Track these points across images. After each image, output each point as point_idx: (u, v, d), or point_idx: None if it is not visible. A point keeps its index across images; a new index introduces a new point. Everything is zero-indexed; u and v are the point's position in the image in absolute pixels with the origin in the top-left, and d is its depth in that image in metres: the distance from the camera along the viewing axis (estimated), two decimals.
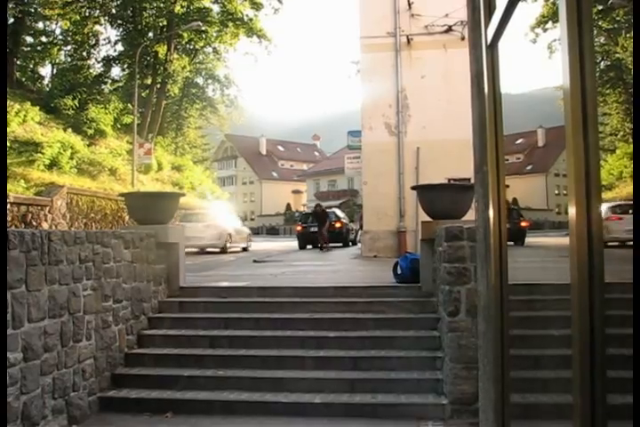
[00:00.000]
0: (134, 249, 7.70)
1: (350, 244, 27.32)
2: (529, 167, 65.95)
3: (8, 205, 19.10)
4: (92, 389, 6.54)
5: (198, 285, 9.32)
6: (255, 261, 15.86)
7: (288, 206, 72.75)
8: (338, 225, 26.30)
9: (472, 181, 9.74)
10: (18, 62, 37.27)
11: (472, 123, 3.57)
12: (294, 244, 26.75)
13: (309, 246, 25.90)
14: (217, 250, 22.17)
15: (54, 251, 5.91)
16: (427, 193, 8.87)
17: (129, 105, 34.94)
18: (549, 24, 36.92)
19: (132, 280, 7.63)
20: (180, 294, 8.78)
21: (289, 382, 6.72)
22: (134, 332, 7.68)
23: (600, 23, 33.40)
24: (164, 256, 8.63)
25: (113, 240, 7.16)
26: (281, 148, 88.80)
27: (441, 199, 8.29)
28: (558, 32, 23.59)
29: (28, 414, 5.36)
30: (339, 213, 28.70)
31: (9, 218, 18.92)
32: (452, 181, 15.03)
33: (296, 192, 77.68)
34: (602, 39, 35.61)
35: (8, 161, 22.16)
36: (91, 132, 30.94)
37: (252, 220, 72.98)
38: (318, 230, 23.48)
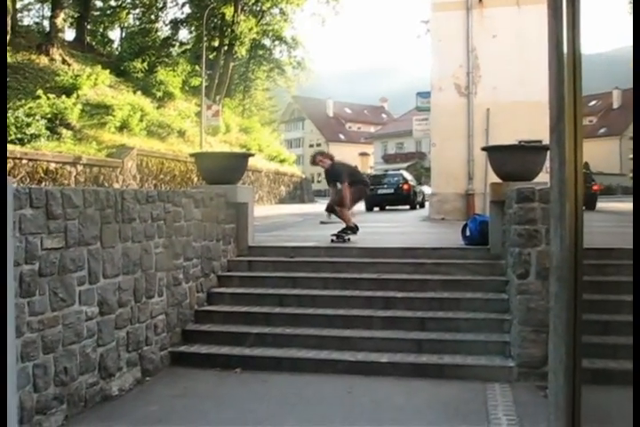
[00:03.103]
0: (204, 208, 7.81)
1: (418, 206, 27.18)
2: (602, 130, 63.91)
3: (81, 167, 19.62)
4: (163, 344, 6.74)
5: (267, 244, 9.41)
6: (322, 223, 15.90)
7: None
8: (405, 187, 26.20)
9: (544, 143, 9.42)
10: (88, 27, 37.87)
11: (549, 79, 3.44)
12: (361, 206, 26.75)
13: (376, 209, 25.93)
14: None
15: (127, 209, 6.05)
16: (497, 154, 8.70)
17: (197, 67, 35.22)
18: None
19: (202, 239, 7.76)
20: (248, 253, 8.89)
21: (356, 342, 6.77)
22: (204, 289, 7.83)
23: None
24: (233, 216, 8.73)
25: (184, 199, 7.28)
26: (348, 110, 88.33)
27: (512, 160, 8.12)
28: None
29: (104, 365, 5.59)
30: (406, 175, 28.50)
31: (82, 179, 19.46)
32: (522, 144, 14.71)
33: (363, 155, 77.27)
34: None
35: (80, 123, 22.70)
36: (159, 94, 31.37)
37: (319, 182, 73.08)
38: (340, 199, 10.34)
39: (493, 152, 8.94)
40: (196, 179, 24.61)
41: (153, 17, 42.03)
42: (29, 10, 40.29)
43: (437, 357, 6.44)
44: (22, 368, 4.52)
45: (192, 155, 11.03)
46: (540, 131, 10.09)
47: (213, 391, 6.00)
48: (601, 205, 22.93)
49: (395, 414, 5.25)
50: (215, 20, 40.71)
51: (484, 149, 9.86)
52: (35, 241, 4.72)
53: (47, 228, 4.87)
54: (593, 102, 66.49)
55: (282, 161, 41.35)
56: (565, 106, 2.99)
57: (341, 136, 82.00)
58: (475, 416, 5.16)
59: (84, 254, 5.34)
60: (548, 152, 3.61)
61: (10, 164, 17.05)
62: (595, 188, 23.36)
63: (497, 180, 8.60)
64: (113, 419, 5.22)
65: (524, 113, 15.25)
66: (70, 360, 5.11)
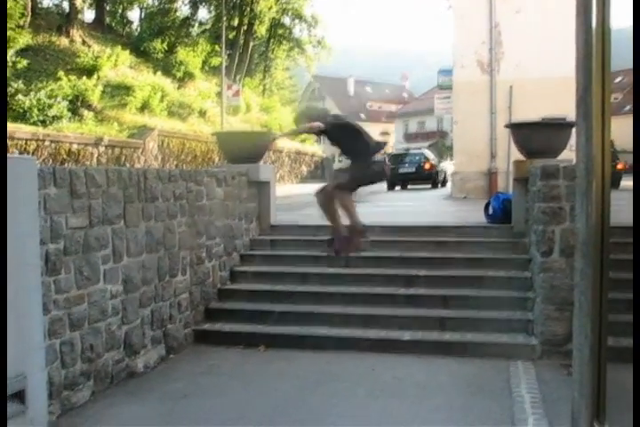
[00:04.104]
0: (226, 187, 7.83)
1: (439, 185, 27.08)
2: (627, 107, 62.93)
3: (103, 148, 19.73)
4: (187, 321, 6.80)
5: (289, 223, 9.42)
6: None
7: None
8: (427, 166, 26.10)
9: (568, 120, 9.26)
10: (107, 8, 37.82)
11: (576, 53, 3.38)
12: (382, 185, 26.66)
13: (397, 188, 25.89)
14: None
15: (150, 188, 6.07)
16: (521, 131, 8.60)
17: (216, 47, 35.11)
18: None
19: (225, 218, 7.79)
20: (271, 232, 8.92)
21: (378, 319, 6.78)
22: (227, 268, 7.87)
23: None
24: (255, 195, 8.74)
25: (206, 178, 7.29)
26: (369, 89, 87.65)
27: (536, 137, 8.02)
28: None
29: (129, 342, 5.65)
30: (428, 153, 28.35)
31: (104, 160, 19.58)
32: (546, 121, 14.56)
33: (384, 134, 76.83)
34: None
35: (101, 104, 22.82)
36: (180, 74, 31.38)
37: (340, 161, 72.92)
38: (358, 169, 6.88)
39: (517, 129, 8.84)
40: (217, 159, 24.66)
41: None
42: None
43: (460, 334, 6.43)
44: (50, 345, 4.59)
45: (213, 134, 11.06)
46: (564, 108, 9.97)
47: (237, 369, 6.05)
48: (625, 183, 22.63)
49: (418, 391, 5.28)
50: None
51: (507, 126, 9.76)
52: (59, 220, 4.76)
53: (71, 207, 4.91)
54: (618, 79, 65.36)
55: (302, 141, 41.21)
56: (593, 80, 2.94)
57: (362, 115, 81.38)
58: (497, 394, 5.16)
59: (107, 233, 5.38)
60: (573, 129, 3.56)
61: (33, 145, 17.23)
62: (619, 166, 23.04)
63: (520, 158, 8.52)
64: (139, 395, 5.30)
65: (548, 90, 15.07)
66: (96, 337, 5.18)
